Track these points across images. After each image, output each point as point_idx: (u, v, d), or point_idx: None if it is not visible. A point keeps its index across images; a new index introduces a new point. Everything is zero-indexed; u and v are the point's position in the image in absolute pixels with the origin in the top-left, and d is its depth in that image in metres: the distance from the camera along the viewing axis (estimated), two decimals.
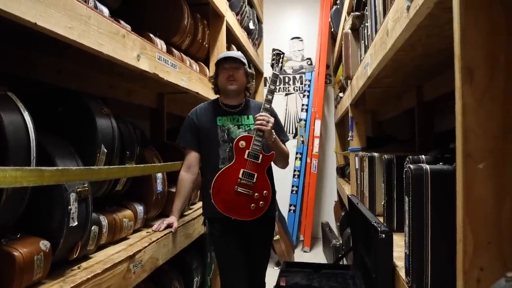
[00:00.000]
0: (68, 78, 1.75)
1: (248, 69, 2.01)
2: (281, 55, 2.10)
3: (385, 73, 1.92)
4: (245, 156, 1.86)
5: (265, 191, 1.89)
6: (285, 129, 5.22)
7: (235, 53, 1.98)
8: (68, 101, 1.51)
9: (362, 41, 2.29)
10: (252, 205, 1.86)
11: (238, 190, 1.84)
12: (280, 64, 2.07)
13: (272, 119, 1.87)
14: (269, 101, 1.92)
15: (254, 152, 1.86)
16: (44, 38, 1.05)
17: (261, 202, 1.87)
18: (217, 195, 1.84)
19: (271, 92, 1.94)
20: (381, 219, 1.63)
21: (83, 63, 1.76)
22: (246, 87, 2.04)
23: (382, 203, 1.68)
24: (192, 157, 2.00)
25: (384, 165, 1.64)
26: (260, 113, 1.87)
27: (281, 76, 5.36)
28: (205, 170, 2.01)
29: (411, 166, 1.02)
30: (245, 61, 1.99)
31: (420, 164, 1.04)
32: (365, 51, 2.11)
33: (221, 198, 1.84)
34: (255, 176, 1.86)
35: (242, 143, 1.87)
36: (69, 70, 1.76)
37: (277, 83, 2.04)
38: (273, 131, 1.89)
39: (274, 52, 2.11)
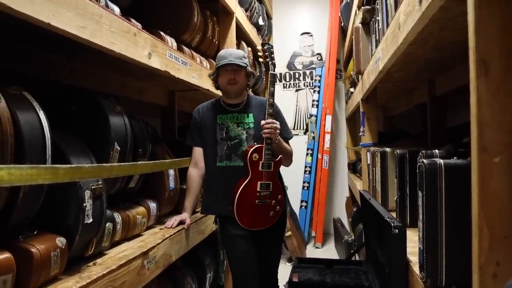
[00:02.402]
0: (81, 78, 1.77)
1: (249, 69, 2.00)
2: (272, 49, 2.06)
3: (396, 68, 1.90)
4: (260, 168, 1.86)
5: (279, 195, 1.92)
6: (296, 125, 5.25)
7: (236, 53, 1.95)
8: (82, 99, 1.53)
9: (373, 36, 2.27)
10: (271, 212, 1.90)
11: (258, 203, 1.86)
12: (273, 61, 2.03)
13: (278, 125, 1.87)
14: (272, 105, 1.89)
15: (267, 162, 1.87)
16: (56, 38, 1.07)
17: (277, 207, 1.91)
18: (241, 213, 1.85)
19: (272, 94, 1.90)
20: (393, 214, 1.62)
21: (95, 62, 1.77)
22: (247, 85, 2.03)
23: (395, 199, 1.67)
24: (198, 152, 2.02)
25: (397, 160, 1.63)
26: (266, 121, 1.85)
27: (291, 72, 5.34)
28: (205, 167, 2.03)
29: (425, 160, 1.01)
30: (246, 61, 1.97)
31: (433, 159, 1.03)
32: (376, 46, 2.09)
33: (244, 215, 1.85)
34: (271, 185, 1.88)
35: (255, 156, 1.86)
36: (82, 70, 1.78)
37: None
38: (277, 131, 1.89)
39: (266, 47, 2.04)
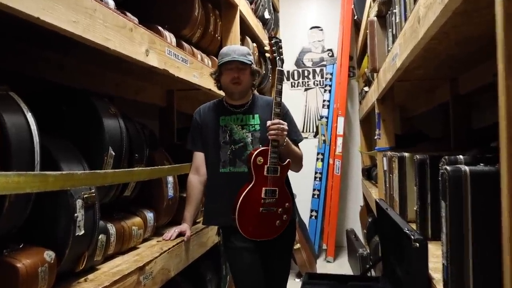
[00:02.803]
0: (72, 76, 1.78)
1: (254, 67, 1.99)
2: (280, 44, 2.05)
3: (415, 65, 1.89)
4: (265, 173, 1.85)
5: (287, 203, 1.91)
6: (305, 127, 5.24)
7: (240, 49, 1.95)
8: (73, 100, 1.54)
9: (390, 30, 2.26)
10: (277, 221, 1.88)
11: (263, 211, 1.85)
12: (281, 56, 2.03)
13: (285, 125, 1.86)
14: (279, 104, 1.89)
15: (273, 166, 1.86)
16: (46, 33, 1.07)
17: (284, 216, 1.90)
18: (243, 221, 1.84)
19: (279, 93, 1.90)
20: (413, 226, 1.61)
21: (88, 59, 1.78)
22: (252, 84, 2.03)
23: (415, 209, 1.66)
24: (199, 158, 2.02)
25: (416, 166, 1.62)
26: (272, 121, 1.85)
27: (300, 70, 5.34)
28: (207, 174, 2.02)
29: (448, 167, 1.00)
30: (251, 58, 1.97)
31: (457, 165, 1.02)
32: (393, 41, 2.08)
33: (247, 224, 1.84)
34: (277, 191, 1.87)
35: (260, 159, 1.85)
36: (73, 67, 1.79)
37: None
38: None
39: (273, 41, 2.03)
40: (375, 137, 2.91)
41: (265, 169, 1.85)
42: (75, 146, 1.37)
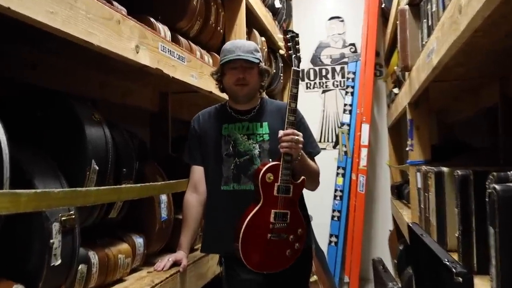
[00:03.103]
0: (48, 75, 1.79)
1: (263, 65, 2.00)
2: (297, 39, 2.04)
3: (456, 62, 1.88)
4: (275, 192, 1.85)
5: (299, 229, 1.90)
6: (322, 137, 5.24)
7: (246, 45, 1.95)
8: (49, 104, 1.54)
9: (424, 20, 2.26)
10: (288, 251, 1.87)
11: (272, 238, 1.84)
12: (298, 54, 2.02)
13: (300, 136, 1.85)
14: (294, 111, 1.88)
15: (284, 185, 1.85)
16: (17, 26, 1.08)
17: (296, 245, 1.89)
18: (248, 250, 1.83)
19: (294, 97, 1.89)
20: (455, 256, 1.59)
21: (67, 56, 1.79)
22: (261, 85, 2.03)
23: (456, 235, 1.64)
24: (197, 173, 2.03)
25: (457, 184, 1.60)
26: (285, 131, 1.84)
27: (317, 68, 5.35)
28: (206, 192, 2.02)
29: (497, 186, 1.00)
30: (259, 56, 1.97)
31: (509, 184, 1.01)
32: (429, 34, 2.08)
33: (252, 253, 1.83)
34: (289, 215, 1.86)
35: (270, 176, 1.84)
36: (49, 65, 1.80)
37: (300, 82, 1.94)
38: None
39: (289, 36, 2.02)
40: (407, 148, 2.89)
41: (276, 188, 1.84)
42: (52, 159, 1.37)
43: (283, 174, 1.84)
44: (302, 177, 1.92)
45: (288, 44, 2.02)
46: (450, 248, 1.87)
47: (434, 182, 2.00)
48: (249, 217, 1.82)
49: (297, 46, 2.02)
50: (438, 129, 4.33)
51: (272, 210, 1.84)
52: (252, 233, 1.82)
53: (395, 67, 3.79)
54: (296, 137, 1.83)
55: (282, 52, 2.08)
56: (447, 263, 1.31)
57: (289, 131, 1.84)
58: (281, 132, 1.84)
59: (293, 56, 2.00)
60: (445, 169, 1.95)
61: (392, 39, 4.35)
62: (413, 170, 2.76)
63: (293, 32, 2.05)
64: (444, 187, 1.93)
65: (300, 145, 1.85)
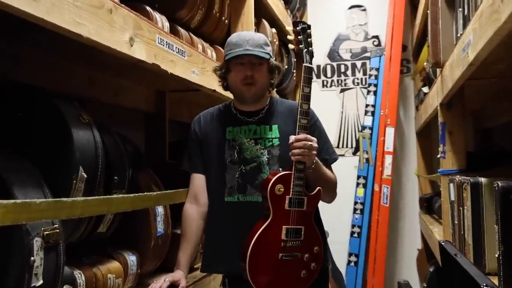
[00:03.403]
0: (30, 71, 1.80)
1: (273, 61, 2.00)
2: (309, 31, 2.03)
3: (496, 57, 1.88)
4: (287, 206, 1.84)
5: (316, 247, 1.89)
6: (340, 142, 5.22)
7: (254, 38, 1.94)
8: (32, 103, 1.55)
9: (460, 10, 2.25)
10: (303, 272, 1.86)
11: (284, 258, 1.83)
12: (311, 48, 2.01)
13: (314, 142, 1.84)
14: (306, 113, 1.87)
15: (297, 197, 1.85)
16: None
17: (312, 265, 1.88)
18: (256, 271, 1.82)
19: (307, 98, 1.89)
20: (495, 280, 1.58)
21: (52, 49, 1.80)
22: (270, 84, 2.04)
23: (496, 255, 1.62)
24: (198, 182, 2.03)
25: (497, 197, 1.59)
26: (297, 136, 1.83)
27: (334, 64, 5.35)
28: (208, 203, 2.03)
29: None
30: (269, 50, 1.97)
31: None
32: (465, 25, 2.07)
33: (262, 275, 1.82)
34: (302, 231, 1.86)
35: (280, 188, 1.83)
36: (31, 60, 1.81)
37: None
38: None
39: (299, 28, 2.01)
40: (438, 156, 2.88)
41: (287, 201, 1.84)
42: (34, 165, 1.37)
43: (295, 185, 1.84)
44: (318, 187, 1.91)
45: (299, 37, 2.02)
46: (489, 270, 1.86)
47: (470, 195, 1.99)
48: (257, 234, 1.81)
49: (309, 40, 2.02)
50: (474, 134, 4.31)
51: (284, 226, 1.83)
52: (261, 252, 1.82)
53: (425, 63, 3.78)
54: (310, 142, 1.82)
55: (291, 46, 2.08)
56: (486, 287, 1.30)
57: (301, 136, 1.83)
58: (292, 138, 1.84)
59: (304, 51, 1.99)
60: (483, 179, 1.95)
61: (421, 30, 4.34)
62: (445, 181, 2.75)
63: (303, 23, 2.05)
64: (482, 201, 1.93)
65: (314, 152, 1.84)
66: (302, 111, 1.87)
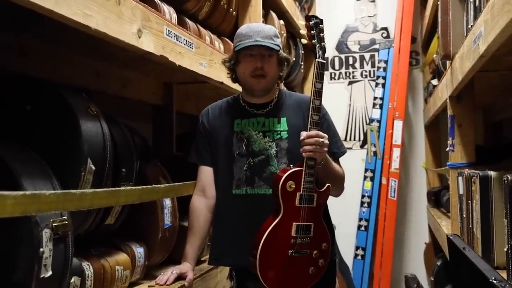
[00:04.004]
0: (38, 64, 1.80)
1: (283, 53, 1.99)
2: (321, 26, 2.00)
3: (508, 49, 1.87)
4: (297, 203, 1.84)
5: (324, 244, 1.90)
6: (348, 135, 5.21)
7: (264, 29, 1.94)
8: (40, 96, 1.55)
9: (471, 0, 2.24)
10: (311, 268, 1.87)
11: (293, 254, 1.84)
12: (323, 43, 2.00)
13: (326, 139, 1.84)
14: (318, 109, 1.86)
15: (308, 194, 1.85)
16: (2, 7, 1.09)
17: (321, 261, 1.89)
18: (266, 268, 1.82)
19: (319, 93, 1.87)
20: (503, 274, 1.57)
21: (59, 41, 1.80)
22: (279, 76, 2.03)
23: (505, 249, 1.63)
24: (206, 174, 2.04)
25: (507, 190, 1.59)
26: (309, 133, 1.83)
27: (342, 56, 5.33)
28: (216, 196, 2.04)
29: None
30: (279, 42, 1.96)
31: None
32: (476, 16, 2.05)
33: (271, 271, 1.83)
34: (312, 227, 1.86)
35: (291, 185, 1.83)
36: (39, 52, 1.81)
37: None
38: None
39: (313, 22, 1.98)
40: (447, 149, 2.87)
41: (298, 198, 1.84)
42: (43, 157, 1.38)
43: (306, 182, 1.84)
44: (327, 184, 1.91)
45: (312, 32, 2.00)
46: (497, 264, 1.86)
47: (479, 188, 1.99)
48: (268, 231, 1.82)
49: (321, 35, 2.00)
50: (484, 127, 4.29)
51: (294, 223, 1.83)
52: (271, 249, 1.82)
53: (434, 55, 3.76)
54: (321, 139, 1.82)
55: (304, 41, 2.06)
56: (494, 282, 1.30)
57: (313, 132, 1.83)
58: (303, 134, 1.83)
59: (317, 46, 1.98)
60: (492, 173, 1.94)
61: (431, 22, 4.31)
62: (454, 174, 2.74)
63: (316, 18, 2.02)
64: (491, 194, 1.92)
65: (325, 149, 1.84)
66: (314, 107, 1.86)
